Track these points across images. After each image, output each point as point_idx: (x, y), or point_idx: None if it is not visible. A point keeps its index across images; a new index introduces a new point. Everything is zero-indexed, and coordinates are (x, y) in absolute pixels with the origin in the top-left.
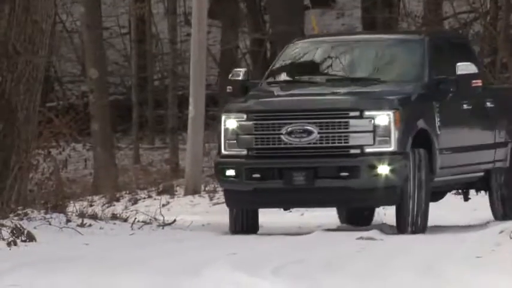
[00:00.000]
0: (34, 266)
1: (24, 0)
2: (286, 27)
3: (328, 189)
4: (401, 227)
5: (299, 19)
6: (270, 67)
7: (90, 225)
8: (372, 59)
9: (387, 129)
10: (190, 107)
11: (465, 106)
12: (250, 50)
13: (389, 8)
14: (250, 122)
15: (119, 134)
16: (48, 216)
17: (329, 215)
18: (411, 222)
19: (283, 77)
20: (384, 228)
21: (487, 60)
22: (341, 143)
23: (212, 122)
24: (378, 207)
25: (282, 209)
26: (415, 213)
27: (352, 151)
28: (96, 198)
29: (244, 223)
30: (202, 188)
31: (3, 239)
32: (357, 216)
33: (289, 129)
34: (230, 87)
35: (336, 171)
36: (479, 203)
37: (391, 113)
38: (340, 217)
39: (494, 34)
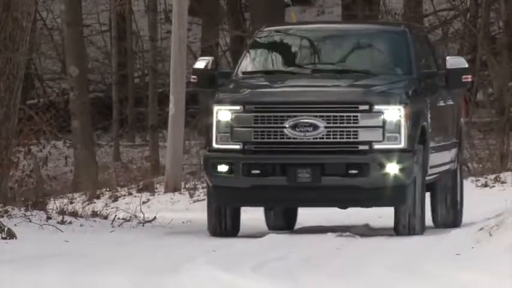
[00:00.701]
0: (14, 263)
1: None
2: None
3: (336, 188)
4: (400, 229)
5: (279, 16)
6: (243, 56)
7: (70, 222)
8: (355, 50)
9: (397, 125)
10: (171, 105)
11: (442, 103)
12: (231, 47)
13: (369, 6)
14: (249, 114)
15: (99, 131)
16: (28, 213)
17: (309, 213)
18: (412, 225)
19: (261, 67)
20: (365, 231)
21: (467, 58)
22: (349, 138)
23: (192, 120)
24: (387, 207)
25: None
26: (417, 215)
27: (361, 147)
28: (76, 195)
29: (225, 223)
30: (183, 185)
31: None
32: (283, 221)
33: (293, 122)
34: (194, 76)
35: (344, 169)
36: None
37: (401, 107)
38: (267, 222)
39: (474, 32)
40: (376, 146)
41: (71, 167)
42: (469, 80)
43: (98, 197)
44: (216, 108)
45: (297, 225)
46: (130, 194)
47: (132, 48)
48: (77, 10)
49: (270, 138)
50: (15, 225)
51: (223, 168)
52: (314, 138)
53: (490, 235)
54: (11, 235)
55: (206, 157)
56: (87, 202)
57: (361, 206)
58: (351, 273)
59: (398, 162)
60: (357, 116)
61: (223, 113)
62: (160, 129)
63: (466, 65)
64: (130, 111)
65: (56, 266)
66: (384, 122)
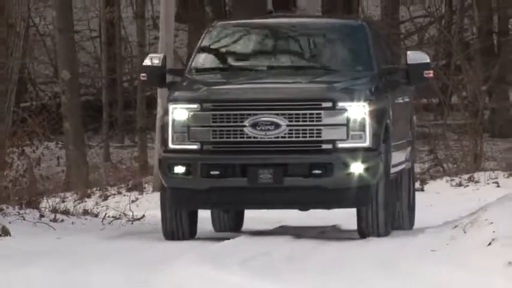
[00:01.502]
0: (9, 259)
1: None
2: None
3: (299, 189)
4: (364, 231)
5: None
6: (195, 52)
7: (62, 220)
8: (313, 45)
9: (362, 122)
10: (158, 107)
11: (400, 100)
12: None
13: (348, 12)
14: (206, 113)
15: (89, 133)
16: (22, 211)
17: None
18: (376, 227)
19: (215, 63)
20: (334, 232)
21: (441, 63)
22: (312, 137)
23: None
24: (351, 208)
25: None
26: (381, 216)
27: (324, 146)
28: (68, 194)
29: (182, 227)
30: None
31: None
32: (232, 222)
33: (253, 121)
34: (144, 74)
35: (307, 169)
36: (434, 199)
37: (366, 104)
38: (214, 224)
39: (449, 38)
40: (340, 145)
41: (63, 167)
42: (431, 75)
43: (89, 196)
44: (171, 106)
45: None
46: (119, 193)
47: (121, 53)
48: (68, 17)
49: (229, 137)
50: (9, 222)
51: (180, 169)
52: (275, 138)
53: (465, 232)
54: (5, 232)
55: (162, 158)
56: (78, 201)
57: (325, 208)
58: (332, 269)
59: (363, 162)
60: (320, 114)
61: (179, 112)
62: (148, 131)
63: (428, 60)
64: (119, 114)
65: (49, 262)
66: (348, 119)
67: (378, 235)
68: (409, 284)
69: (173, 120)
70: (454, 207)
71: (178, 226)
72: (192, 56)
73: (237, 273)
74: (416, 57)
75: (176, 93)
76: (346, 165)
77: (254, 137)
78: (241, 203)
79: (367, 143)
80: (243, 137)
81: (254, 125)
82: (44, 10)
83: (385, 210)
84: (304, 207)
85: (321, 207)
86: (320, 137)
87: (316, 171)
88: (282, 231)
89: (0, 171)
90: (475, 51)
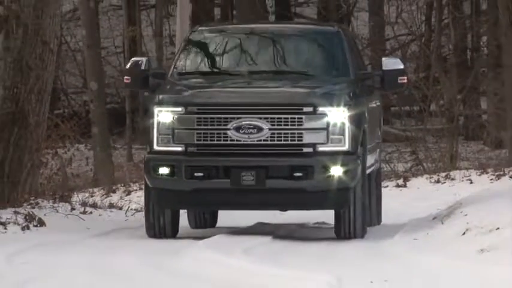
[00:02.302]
0: (44, 247)
1: (35, 25)
2: None
3: (280, 191)
4: (341, 232)
5: None
6: (177, 57)
7: (91, 212)
8: (292, 51)
9: (341, 127)
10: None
11: (373, 104)
12: None
13: None
14: (191, 116)
15: (114, 136)
16: (55, 205)
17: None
18: (353, 228)
19: (196, 67)
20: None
21: (422, 75)
22: (294, 140)
23: None
24: (330, 210)
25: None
26: (358, 218)
27: (305, 150)
28: (95, 190)
29: (165, 226)
30: None
31: (18, 224)
32: (205, 220)
33: (237, 124)
34: (128, 77)
35: (288, 171)
36: (415, 194)
37: (345, 109)
38: (189, 221)
39: (428, 53)
40: (320, 149)
41: (91, 166)
42: (405, 81)
43: (114, 192)
44: (156, 109)
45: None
46: (141, 188)
47: None
48: (96, 35)
49: (213, 140)
50: (44, 215)
51: (164, 170)
52: (258, 141)
53: (442, 223)
54: (41, 223)
55: (147, 159)
56: (104, 195)
57: (305, 209)
58: (327, 255)
59: (342, 165)
60: (301, 118)
61: (164, 115)
62: None
63: (402, 66)
64: (140, 119)
65: (79, 249)
66: (328, 124)
67: (355, 236)
68: (395, 266)
69: (158, 123)
70: (432, 201)
71: (161, 225)
72: (174, 60)
73: (243, 258)
74: (391, 63)
75: (161, 96)
76: (326, 168)
77: (237, 140)
78: (224, 204)
79: (346, 146)
80: (227, 140)
81: (237, 128)
82: (74, 29)
83: (362, 212)
84: (285, 208)
85: (301, 209)
86: (301, 140)
87: (297, 174)
88: (260, 227)
89: (37, 169)
90: (451, 65)
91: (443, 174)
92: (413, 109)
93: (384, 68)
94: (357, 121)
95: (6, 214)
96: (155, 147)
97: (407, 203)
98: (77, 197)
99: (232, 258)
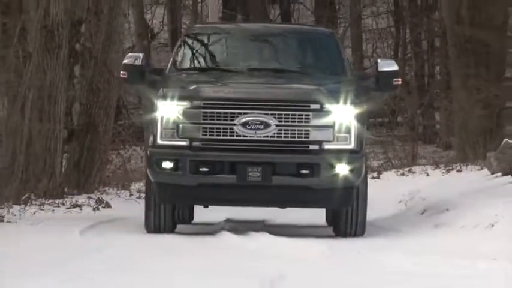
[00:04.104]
0: (109, 223)
1: (103, 58)
2: None
3: (286, 188)
4: (343, 230)
5: None
6: (175, 53)
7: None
8: (288, 50)
9: (347, 125)
10: None
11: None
12: None
13: None
14: (196, 110)
15: None
16: (118, 192)
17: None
18: (355, 227)
19: (195, 64)
20: (261, 227)
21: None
22: (301, 137)
23: None
24: (335, 208)
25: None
26: (360, 217)
27: (312, 147)
28: None
29: (164, 220)
30: None
31: (90, 206)
32: (183, 215)
33: (244, 120)
34: (124, 72)
35: (295, 168)
36: (386, 184)
37: (352, 107)
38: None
39: None
40: (326, 146)
41: (144, 163)
42: (399, 82)
43: None
44: (160, 103)
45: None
46: None
47: None
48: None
49: (219, 135)
50: (110, 199)
51: (168, 164)
52: (265, 137)
53: (406, 206)
54: (107, 205)
55: (150, 153)
56: None
57: (310, 207)
58: (316, 235)
59: (348, 163)
60: (308, 115)
61: (168, 109)
62: None
63: (397, 68)
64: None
65: (136, 225)
66: (334, 122)
67: (355, 235)
68: (375, 239)
69: (162, 117)
70: (399, 189)
71: (161, 220)
72: (172, 57)
73: (258, 236)
74: (386, 64)
75: (165, 90)
76: (332, 167)
77: (244, 136)
78: (229, 200)
79: (352, 145)
80: (233, 135)
81: (244, 124)
82: None
83: (364, 211)
84: (290, 205)
85: (307, 207)
86: (308, 137)
87: (304, 171)
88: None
89: (104, 166)
90: (413, 87)
91: (407, 169)
92: (384, 120)
93: (379, 69)
94: (361, 120)
95: (82, 199)
96: (159, 141)
97: (379, 190)
98: (134, 186)
99: (250, 236)
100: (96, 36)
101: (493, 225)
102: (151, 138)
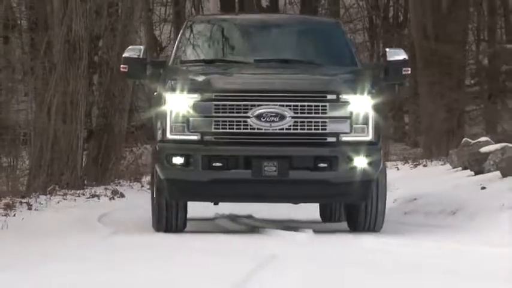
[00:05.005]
0: (123, 210)
1: (118, 66)
2: None
3: (303, 182)
4: (361, 225)
5: None
6: (176, 45)
7: None
8: (295, 41)
9: (365, 116)
10: None
11: None
12: None
13: None
14: (208, 103)
15: None
16: (131, 184)
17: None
18: (373, 222)
19: (200, 56)
20: (250, 221)
21: None
22: (318, 129)
23: None
24: (353, 203)
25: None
26: (379, 211)
27: (329, 139)
28: None
29: (176, 219)
30: None
31: (107, 196)
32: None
33: (258, 112)
34: (125, 66)
35: (313, 162)
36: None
37: (369, 97)
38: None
39: None
40: (344, 138)
41: None
42: (409, 72)
43: None
44: (169, 96)
45: None
46: None
47: None
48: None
49: (232, 128)
50: (124, 190)
51: (178, 160)
52: (280, 129)
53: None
54: (122, 195)
55: (160, 148)
56: None
57: (328, 202)
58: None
59: (366, 156)
60: (325, 106)
61: (178, 102)
62: None
63: (406, 57)
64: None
65: (145, 211)
66: (351, 112)
67: (374, 230)
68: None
69: (171, 110)
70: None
71: (172, 218)
72: (174, 49)
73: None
74: (395, 54)
75: (174, 83)
76: (351, 159)
77: (258, 129)
78: (244, 196)
79: (369, 137)
80: (247, 128)
81: (259, 116)
82: None
83: (384, 205)
84: (306, 201)
85: (325, 201)
86: (325, 129)
87: (322, 165)
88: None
89: (119, 161)
90: (385, 93)
91: None
92: None
93: (388, 58)
94: (379, 110)
95: (99, 189)
96: (168, 135)
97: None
98: (145, 179)
99: (255, 221)
100: (112, 50)
101: (454, 213)
102: (159, 133)
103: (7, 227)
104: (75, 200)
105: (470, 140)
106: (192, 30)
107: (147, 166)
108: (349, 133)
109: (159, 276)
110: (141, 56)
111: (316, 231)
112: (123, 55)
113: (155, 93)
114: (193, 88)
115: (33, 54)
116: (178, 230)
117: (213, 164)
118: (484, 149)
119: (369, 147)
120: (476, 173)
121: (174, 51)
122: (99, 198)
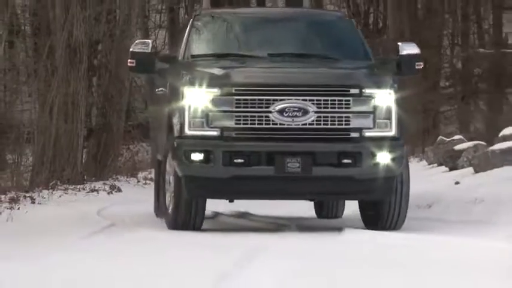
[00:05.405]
0: (121, 204)
1: (116, 70)
2: None
3: (327, 179)
4: (383, 223)
5: None
6: (185, 40)
7: (149, 184)
8: (307, 35)
9: (388, 110)
10: None
11: None
12: None
13: None
14: (228, 97)
15: None
16: (128, 179)
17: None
18: (396, 219)
19: (211, 50)
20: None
21: None
22: (341, 124)
23: None
24: (376, 199)
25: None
26: (402, 209)
27: (353, 135)
28: (152, 170)
29: (196, 217)
30: None
31: (105, 191)
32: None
33: (280, 106)
34: (132, 60)
35: (336, 158)
36: None
37: (392, 91)
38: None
39: None
40: (367, 134)
41: (150, 156)
42: (421, 66)
43: None
44: (187, 90)
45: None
46: None
47: None
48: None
49: (253, 123)
50: (121, 185)
51: (198, 156)
52: (303, 124)
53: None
54: (119, 190)
55: (178, 144)
56: None
57: (352, 199)
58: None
59: (390, 151)
60: (348, 101)
61: (196, 96)
62: None
63: (419, 51)
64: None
65: (144, 205)
66: (375, 107)
67: (395, 228)
68: (338, 219)
69: (190, 105)
70: None
71: (191, 217)
72: (183, 44)
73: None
74: (408, 48)
75: (191, 77)
76: (374, 155)
77: (281, 124)
78: (267, 193)
79: (393, 132)
80: (269, 124)
81: (281, 111)
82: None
83: (407, 202)
84: (330, 198)
85: (348, 198)
86: (349, 124)
87: (346, 161)
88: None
89: (117, 158)
90: None
91: None
92: None
93: (401, 52)
94: (401, 105)
95: (98, 184)
96: (187, 131)
97: None
98: (141, 175)
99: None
100: (110, 54)
101: (430, 206)
102: (177, 129)
103: (12, 220)
104: (75, 194)
105: (445, 138)
106: (200, 24)
107: (142, 162)
108: (372, 128)
109: (156, 269)
110: (149, 51)
111: (309, 227)
112: (130, 49)
113: (158, 90)
114: (213, 82)
115: (36, 57)
116: (195, 228)
117: (234, 160)
118: (458, 147)
119: (392, 143)
120: (451, 169)
121: (183, 45)
122: (98, 193)
